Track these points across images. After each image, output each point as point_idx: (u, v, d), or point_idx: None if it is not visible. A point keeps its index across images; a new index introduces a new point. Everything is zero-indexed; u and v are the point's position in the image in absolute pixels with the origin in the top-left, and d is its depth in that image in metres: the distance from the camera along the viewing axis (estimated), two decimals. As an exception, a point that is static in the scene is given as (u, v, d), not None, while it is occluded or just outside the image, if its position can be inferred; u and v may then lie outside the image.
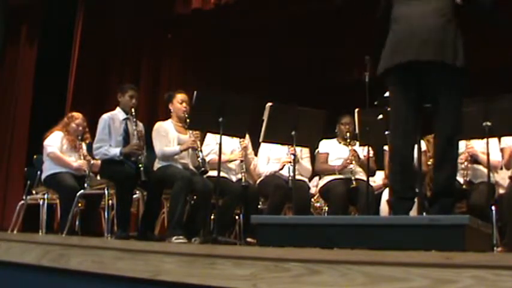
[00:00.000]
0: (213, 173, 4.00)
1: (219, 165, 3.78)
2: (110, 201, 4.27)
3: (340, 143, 4.61)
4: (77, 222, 4.63)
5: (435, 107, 2.76)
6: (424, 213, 3.62)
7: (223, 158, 4.07)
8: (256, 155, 4.65)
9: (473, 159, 3.89)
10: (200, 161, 4.06)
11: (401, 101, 2.84)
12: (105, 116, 4.26)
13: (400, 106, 2.84)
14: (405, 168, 2.81)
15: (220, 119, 3.72)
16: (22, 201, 5.02)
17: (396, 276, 1.72)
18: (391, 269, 1.73)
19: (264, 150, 4.58)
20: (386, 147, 4.16)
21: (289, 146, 4.28)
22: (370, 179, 4.12)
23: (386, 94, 4.16)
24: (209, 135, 4.41)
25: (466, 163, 3.87)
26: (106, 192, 4.25)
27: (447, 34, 2.73)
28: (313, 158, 4.69)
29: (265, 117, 3.92)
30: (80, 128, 4.76)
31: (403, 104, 2.82)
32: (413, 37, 2.75)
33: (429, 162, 4.00)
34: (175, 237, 3.68)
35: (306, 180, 4.58)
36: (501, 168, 3.97)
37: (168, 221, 4.13)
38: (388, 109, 3.80)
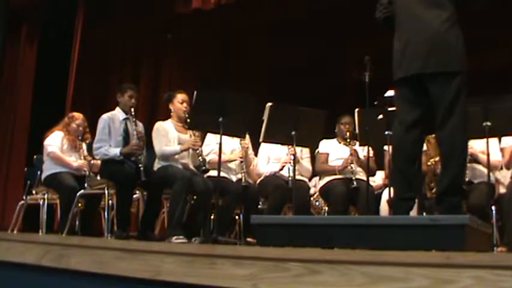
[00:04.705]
0: (213, 173, 4.00)
1: (219, 165, 3.78)
2: (110, 201, 4.27)
3: (340, 143, 4.61)
4: (77, 222, 4.64)
5: (438, 109, 2.74)
6: (424, 213, 3.63)
7: (223, 158, 4.07)
8: (256, 155, 4.65)
9: (473, 158, 3.89)
10: (201, 160, 4.07)
11: (406, 106, 2.84)
12: (105, 116, 4.26)
13: (405, 109, 2.84)
14: (406, 168, 2.80)
15: (220, 119, 3.72)
16: (22, 201, 5.03)
17: (396, 276, 1.72)
18: (391, 269, 1.73)
19: (264, 150, 4.58)
20: (386, 147, 4.17)
21: (289, 146, 4.28)
22: (370, 179, 4.13)
23: (387, 94, 4.17)
24: (209, 135, 4.41)
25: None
26: (106, 192, 4.25)
27: (450, 41, 2.73)
28: (313, 158, 4.69)
29: (265, 117, 3.92)
30: (80, 128, 4.76)
31: (408, 108, 2.82)
32: (416, 48, 2.75)
33: (429, 163, 4.00)
34: (175, 237, 3.68)
35: (306, 180, 4.58)
36: (501, 168, 3.97)
37: (168, 221, 4.13)
38: (389, 109, 3.82)
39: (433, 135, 3.82)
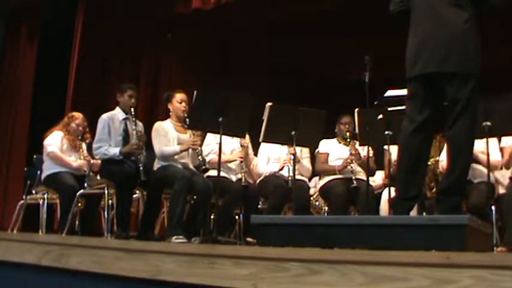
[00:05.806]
0: (213, 173, 4.00)
1: (219, 165, 3.78)
2: (110, 201, 4.28)
3: (340, 143, 4.61)
4: (77, 222, 4.64)
5: (451, 109, 2.69)
6: (424, 213, 3.63)
7: (223, 158, 4.07)
8: (256, 155, 4.65)
9: (473, 158, 3.89)
10: (201, 159, 4.07)
11: (417, 104, 2.77)
12: (105, 116, 4.26)
13: (416, 108, 2.77)
14: (411, 168, 2.78)
15: (220, 119, 3.72)
16: (22, 201, 5.03)
17: (396, 276, 1.72)
18: (391, 269, 1.73)
19: (264, 150, 4.58)
20: (386, 147, 4.17)
21: (289, 146, 4.28)
22: (370, 179, 4.12)
23: (387, 94, 4.16)
24: (209, 135, 4.42)
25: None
26: (106, 192, 4.25)
27: (470, 41, 2.68)
28: (313, 158, 4.69)
29: (265, 117, 3.92)
30: (80, 128, 4.76)
31: (419, 108, 2.76)
32: (435, 46, 2.69)
33: (429, 163, 4.00)
34: (175, 237, 3.68)
35: (306, 180, 4.58)
36: (501, 168, 3.97)
37: (168, 221, 4.13)
38: (389, 109, 3.82)
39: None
